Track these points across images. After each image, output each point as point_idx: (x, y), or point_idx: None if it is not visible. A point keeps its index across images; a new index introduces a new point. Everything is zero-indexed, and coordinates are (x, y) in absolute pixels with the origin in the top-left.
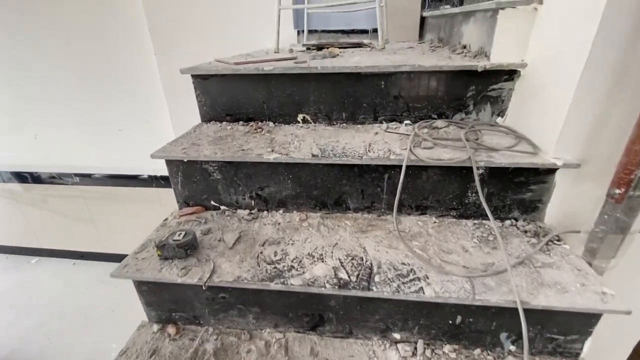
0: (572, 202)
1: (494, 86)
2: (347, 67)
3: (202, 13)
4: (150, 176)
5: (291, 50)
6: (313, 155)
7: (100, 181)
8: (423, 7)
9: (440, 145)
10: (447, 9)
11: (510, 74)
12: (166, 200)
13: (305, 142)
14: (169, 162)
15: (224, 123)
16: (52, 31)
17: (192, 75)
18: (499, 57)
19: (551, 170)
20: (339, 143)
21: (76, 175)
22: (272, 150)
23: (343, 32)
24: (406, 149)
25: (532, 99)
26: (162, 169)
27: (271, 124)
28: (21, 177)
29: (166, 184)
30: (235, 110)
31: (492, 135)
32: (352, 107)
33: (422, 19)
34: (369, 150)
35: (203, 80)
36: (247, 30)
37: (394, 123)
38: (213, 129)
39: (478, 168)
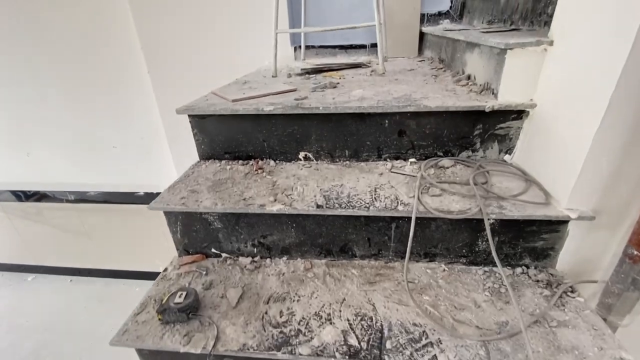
0: (586, 250)
1: (502, 125)
2: (349, 107)
3: (195, 31)
4: (146, 193)
5: (289, 75)
6: (318, 206)
7: (95, 199)
8: (422, 21)
9: (448, 192)
10: (449, 33)
11: (518, 113)
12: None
13: (308, 186)
14: (167, 213)
15: (223, 162)
16: (42, 48)
17: (189, 115)
18: (507, 96)
19: (564, 221)
20: (344, 188)
21: (70, 193)
22: (275, 200)
23: (341, 47)
24: (413, 196)
25: (542, 140)
26: (159, 186)
27: (272, 162)
28: (14, 196)
29: None
30: (234, 148)
31: (500, 177)
32: (355, 144)
33: (422, 34)
34: (375, 199)
35: (200, 120)
36: (244, 46)
37: (398, 161)
38: (212, 170)
39: (489, 219)
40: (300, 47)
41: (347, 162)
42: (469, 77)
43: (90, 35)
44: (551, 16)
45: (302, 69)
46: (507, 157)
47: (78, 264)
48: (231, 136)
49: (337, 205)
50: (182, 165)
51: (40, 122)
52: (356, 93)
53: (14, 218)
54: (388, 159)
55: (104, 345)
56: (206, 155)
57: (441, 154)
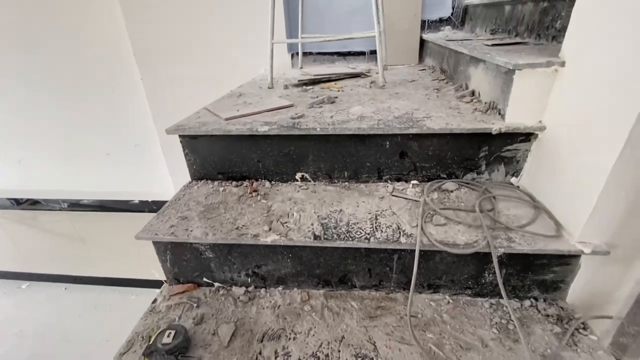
0: (598, 283)
1: (509, 147)
2: (348, 128)
3: (189, 38)
4: (141, 201)
5: (286, 87)
6: (315, 237)
7: (89, 207)
8: (423, 28)
9: (453, 221)
10: (452, 44)
11: (526, 136)
12: None
13: (305, 212)
14: (156, 242)
15: (216, 183)
16: (34, 54)
17: (180, 135)
18: (514, 118)
19: (577, 255)
20: (343, 214)
21: (64, 201)
22: (270, 229)
23: (339, 54)
24: (416, 225)
25: (551, 165)
26: (153, 194)
27: (267, 183)
28: (6, 203)
29: (158, 209)
30: (227, 168)
31: (508, 202)
32: (354, 165)
33: (422, 40)
34: (376, 228)
35: (192, 140)
36: (240, 53)
37: (400, 183)
38: (204, 192)
39: (497, 253)
40: (297, 53)
41: (346, 183)
42: (473, 93)
43: (82, 42)
44: (559, 30)
45: (299, 80)
46: (514, 180)
47: (73, 271)
48: (224, 156)
49: (335, 236)
50: (176, 173)
51: (32, 129)
52: (355, 110)
53: (7, 224)
54: (389, 180)
55: (98, 355)
56: (198, 175)
57: (444, 175)
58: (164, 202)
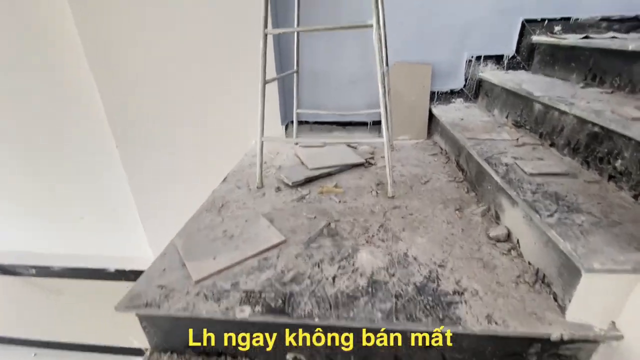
0: None
1: (568, 346)
2: (354, 319)
3: (167, 110)
4: (117, 270)
5: (278, 188)
6: None
7: (60, 273)
8: (432, 99)
9: None
10: (473, 149)
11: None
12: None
13: None
14: None
15: None
16: (6, 118)
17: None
18: (578, 317)
19: None
20: None
21: (32, 267)
22: None
23: (338, 124)
24: None
25: None
26: (131, 261)
27: None
28: None
29: (136, 278)
30: (198, 343)
31: None
32: (363, 352)
33: (431, 113)
34: None
35: (151, 317)
36: (225, 126)
37: None
38: None
39: None
40: (292, 122)
41: None
42: (508, 236)
43: (54, 104)
44: (620, 173)
45: (292, 182)
46: None
47: (43, 336)
48: (194, 332)
49: None
50: (155, 240)
51: (1, 189)
52: (364, 263)
53: None
54: None
55: None
56: (160, 348)
57: None
58: (141, 272)
